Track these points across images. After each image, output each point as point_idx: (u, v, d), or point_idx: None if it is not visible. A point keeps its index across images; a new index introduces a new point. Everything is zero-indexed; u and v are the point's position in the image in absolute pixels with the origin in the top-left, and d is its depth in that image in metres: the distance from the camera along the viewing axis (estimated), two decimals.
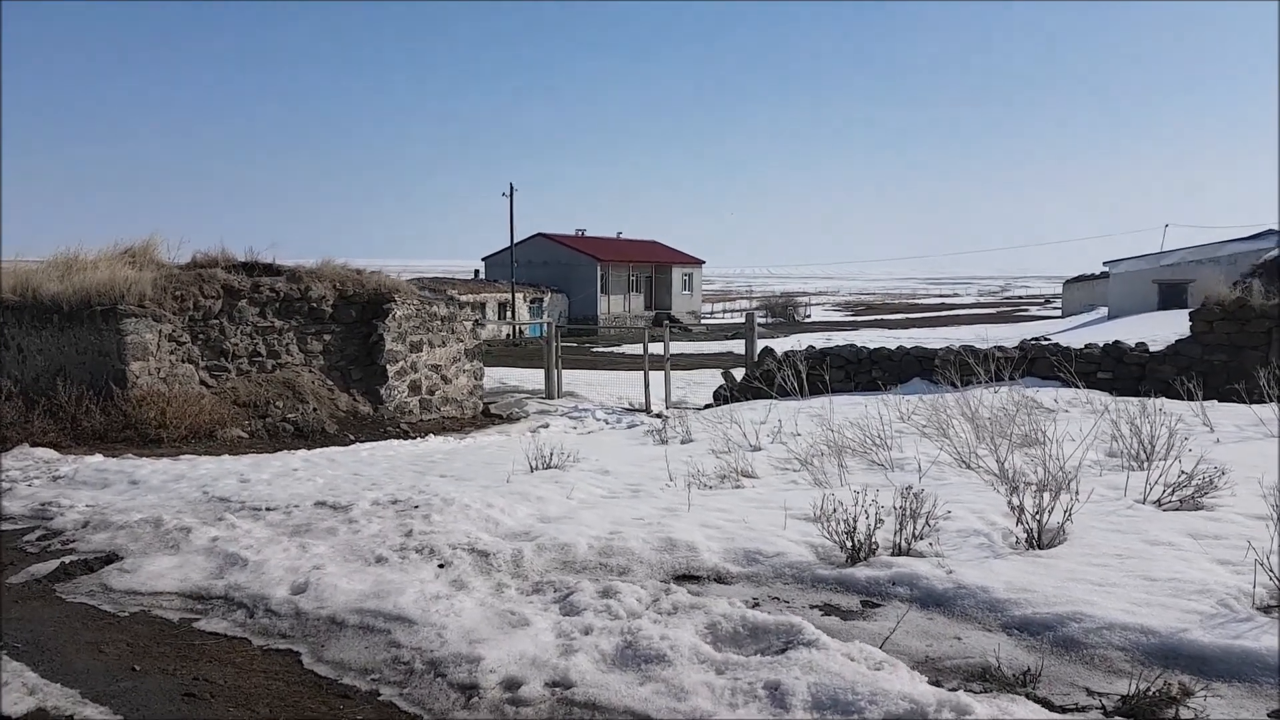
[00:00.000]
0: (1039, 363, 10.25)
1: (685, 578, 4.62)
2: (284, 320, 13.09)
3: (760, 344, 14.33)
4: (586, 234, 55.59)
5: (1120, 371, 10.36)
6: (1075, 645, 3.26)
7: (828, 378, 9.68)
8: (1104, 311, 32.83)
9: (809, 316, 57.45)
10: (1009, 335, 31.50)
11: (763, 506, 5.69)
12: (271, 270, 13.93)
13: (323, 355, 13.39)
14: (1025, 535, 4.27)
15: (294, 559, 5.12)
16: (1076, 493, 4.33)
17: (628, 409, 14.48)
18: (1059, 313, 49.17)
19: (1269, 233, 27.97)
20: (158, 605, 4.66)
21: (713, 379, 19.37)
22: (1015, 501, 4.35)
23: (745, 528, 5.13)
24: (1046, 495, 4.26)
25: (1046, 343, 10.56)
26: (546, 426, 12.79)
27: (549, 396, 15.77)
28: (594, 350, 34.19)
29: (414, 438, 12.05)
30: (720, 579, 4.57)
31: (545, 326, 16.97)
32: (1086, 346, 10.49)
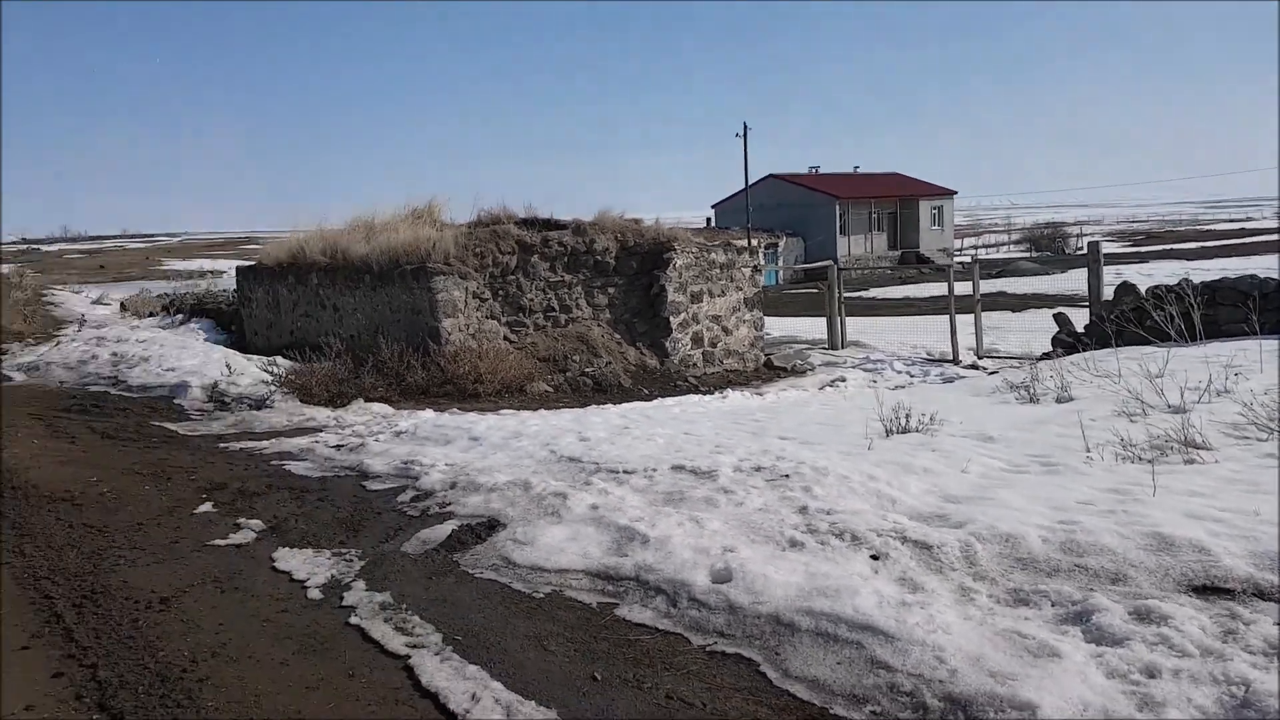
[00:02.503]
0: None
1: (1206, 589, 3.60)
2: (572, 274, 13.00)
3: (1108, 278, 12.48)
4: (821, 172, 53.26)
5: None
6: None
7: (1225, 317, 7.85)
8: None
9: (1081, 249, 51.67)
10: None
11: (1253, 490, 4.50)
12: (554, 225, 13.89)
13: (608, 309, 13.22)
14: None
15: (694, 536, 4.61)
16: None
17: (928, 359, 13.23)
18: None
19: None
20: (568, 585, 4.31)
21: (1007, 322, 17.56)
22: None
23: (1260, 521, 4.00)
24: None
25: None
26: (843, 380, 11.87)
27: (832, 347, 14.81)
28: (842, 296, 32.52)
29: (705, 392, 11.58)
30: (1262, 594, 3.51)
31: (825, 270, 15.96)
32: None
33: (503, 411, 9.53)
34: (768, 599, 3.85)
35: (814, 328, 17.30)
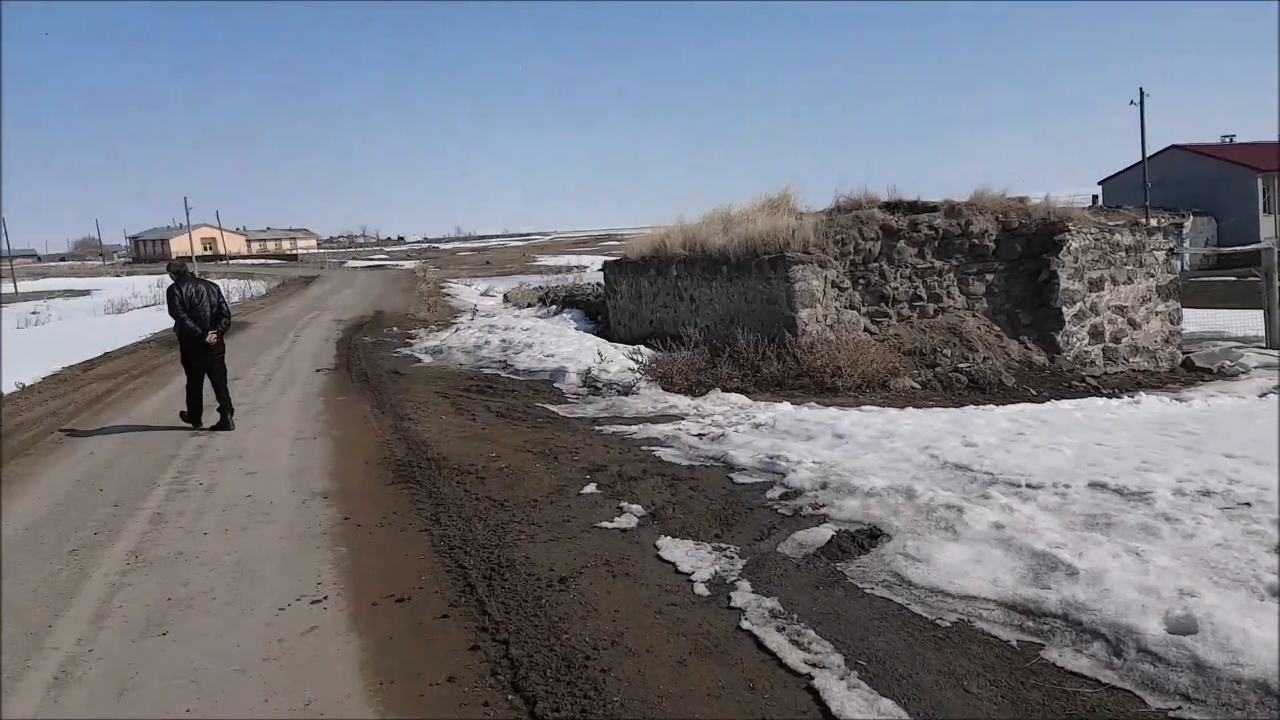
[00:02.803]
0: None
1: None
2: (942, 260, 12.03)
3: None
4: (1235, 141, 45.03)
5: None
6: None
7: None
8: None
9: None
10: None
11: None
12: (921, 207, 12.96)
13: (985, 298, 12.04)
14: None
15: (1136, 573, 3.80)
16: None
17: None
18: None
19: None
20: (977, 615, 3.75)
21: None
22: None
23: None
24: None
25: None
26: None
27: (1271, 346, 12.20)
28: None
29: (1109, 394, 10.05)
30: None
31: (1256, 254, 13.23)
32: None
33: (865, 408, 8.99)
34: (1249, 661, 3.02)
35: (1238, 321, 14.50)
